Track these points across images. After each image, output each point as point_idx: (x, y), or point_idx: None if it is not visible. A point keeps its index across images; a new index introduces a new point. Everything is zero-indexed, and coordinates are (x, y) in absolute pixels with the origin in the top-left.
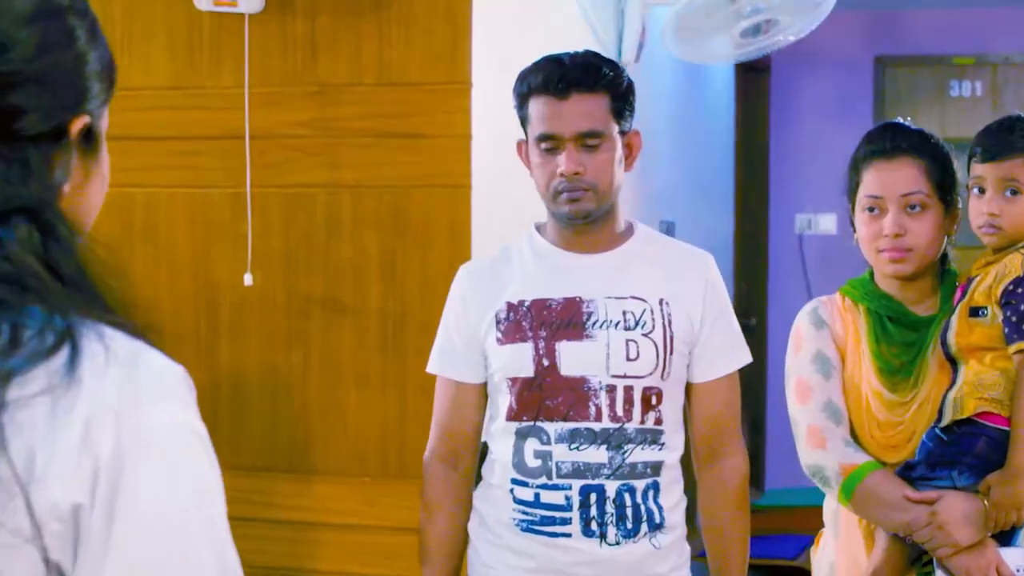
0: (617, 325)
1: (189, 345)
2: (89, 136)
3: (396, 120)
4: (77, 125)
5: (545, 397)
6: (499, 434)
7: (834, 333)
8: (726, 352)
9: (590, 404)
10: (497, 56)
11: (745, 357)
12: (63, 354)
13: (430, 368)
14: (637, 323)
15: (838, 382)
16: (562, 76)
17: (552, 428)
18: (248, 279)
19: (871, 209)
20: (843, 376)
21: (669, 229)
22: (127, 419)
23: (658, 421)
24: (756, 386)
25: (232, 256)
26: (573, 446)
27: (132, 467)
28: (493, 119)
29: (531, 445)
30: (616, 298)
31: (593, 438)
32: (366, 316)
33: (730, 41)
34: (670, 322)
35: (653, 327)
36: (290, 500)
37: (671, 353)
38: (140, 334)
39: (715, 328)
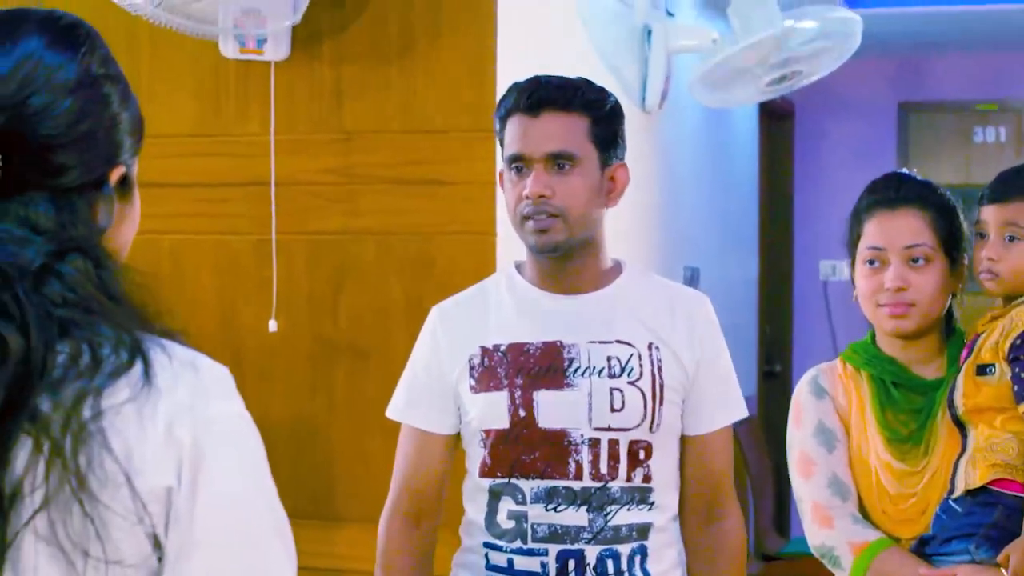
0: (601, 372)
1: None
2: (124, 182)
3: (421, 167)
4: (115, 175)
5: (521, 452)
6: (472, 492)
7: (836, 403)
8: (722, 402)
9: (570, 460)
10: None
11: (740, 411)
12: (138, 367)
13: (391, 413)
14: (623, 370)
15: (843, 455)
16: (534, 93)
17: (528, 486)
18: (273, 325)
19: (871, 262)
20: (849, 448)
21: (694, 275)
22: (199, 415)
23: (647, 478)
24: (781, 431)
25: (257, 302)
26: (550, 507)
27: (208, 453)
28: None
29: (505, 505)
30: (600, 343)
31: (572, 498)
32: (390, 362)
33: (756, 89)
34: (660, 368)
35: (641, 374)
36: (315, 547)
37: (661, 403)
38: (182, 341)
39: (710, 376)
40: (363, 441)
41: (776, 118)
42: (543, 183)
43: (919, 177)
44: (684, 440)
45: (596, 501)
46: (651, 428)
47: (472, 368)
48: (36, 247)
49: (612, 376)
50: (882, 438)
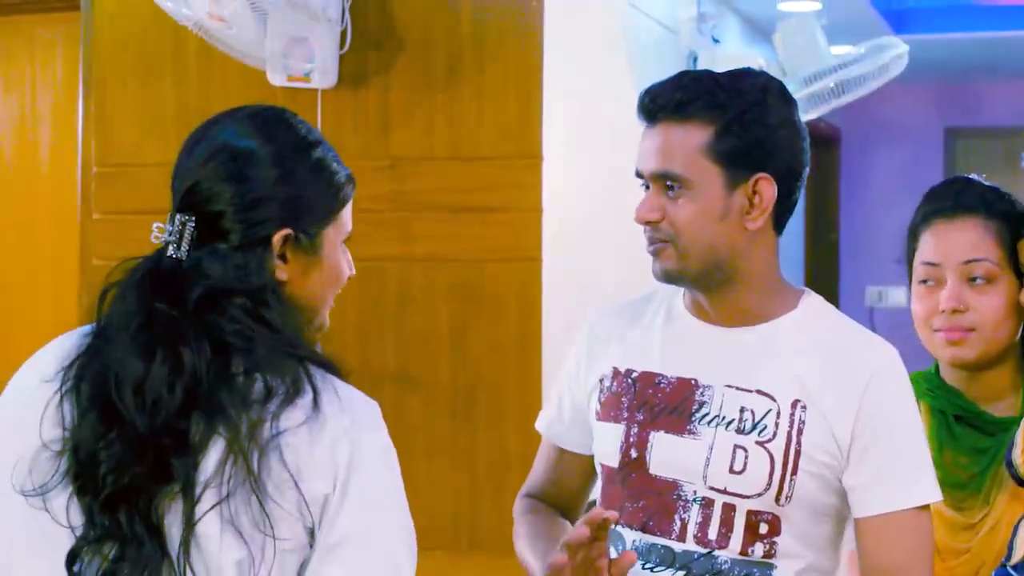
0: (729, 425)
1: None
2: (297, 241)
3: (467, 194)
4: (277, 237)
5: (627, 497)
6: None
7: None
8: (892, 480)
9: (676, 517)
10: (568, 130)
11: (923, 494)
12: (309, 395)
13: (537, 424)
14: (754, 427)
15: None
16: (653, 97)
17: (629, 537)
18: (318, 349)
19: (926, 280)
20: None
21: None
22: (355, 439)
23: (769, 554)
24: None
25: None
26: (647, 566)
27: (358, 468)
28: (564, 193)
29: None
30: (738, 389)
31: (671, 560)
32: (437, 388)
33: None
34: (800, 432)
35: (774, 435)
36: None
37: (794, 472)
38: (335, 370)
39: (876, 448)
40: (409, 467)
41: (822, 143)
42: (649, 204)
43: (986, 182)
44: (855, 524)
45: (697, 569)
46: (778, 500)
47: (601, 391)
48: (201, 286)
49: (740, 432)
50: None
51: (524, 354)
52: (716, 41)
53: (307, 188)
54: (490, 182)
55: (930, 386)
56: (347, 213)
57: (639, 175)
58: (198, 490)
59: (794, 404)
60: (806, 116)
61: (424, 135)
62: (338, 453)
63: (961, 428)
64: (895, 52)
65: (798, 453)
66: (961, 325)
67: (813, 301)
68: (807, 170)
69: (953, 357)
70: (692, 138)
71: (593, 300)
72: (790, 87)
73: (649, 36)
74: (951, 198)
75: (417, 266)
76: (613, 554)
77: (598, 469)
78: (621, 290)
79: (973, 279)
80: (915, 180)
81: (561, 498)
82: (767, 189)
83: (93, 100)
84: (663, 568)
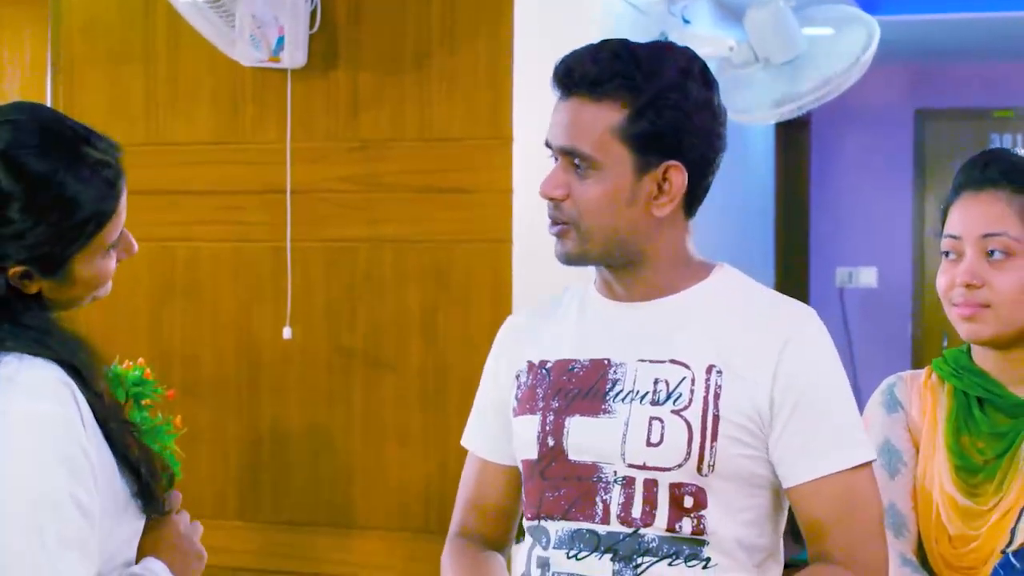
0: (644, 398)
1: (231, 399)
2: (48, 271)
3: (437, 175)
4: (12, 273)
5: (546, 488)
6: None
7: (910, 419)
8: (825, 444)
9: (597, 500)
10: (538, 112)
11: (856, 454)
12: None
13: (463, 440)
14: (669, 396)
15: (906, 481)
16: (568, 69)
17: (552, 528)
18: (287, 332)
19: (947, 253)
20: (914, 474)
21: None
22: None
23: (698, 531)
24: None
25: (273, 310)
26: (572, 553)
27: None
28: (534, 174)
29: (534, 551)
30: (651, 362)
31: (596, 544)
32: (407, 371)
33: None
34: (717, 396)
35: (690, 402)
36: (332, 555)
37: (714, 439)
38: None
39: (798, 416)
40: (379, 449)
41: (792, 126)
42: (555, 180)
43: (1020, 153)
44: (787, 496)
45: (623, 550)
46: (700, 469)
47: (519, 387)
48: None
49: (655, 403)
50: (950, 465)
51: (494, 337)
52: (687, 22)
53: (47, 235)
54: (460, 164)
55: (956, 367)
56: (113, 226)
57: (548, 146)
58: None
59: (709, 369)
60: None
61: (394, 116)
62: None
63: (982, 412)
64: (865, 41)
65: (716, 418)
66: (976, 300)
67: (726, 272)
68: (721, 155)
69: (968, 333)
70: (604, 118)
71: (564, 282)
72: (767, 87)
73: (620, 17)
74: (979, 170)
75: (387, 248)
76: (540, 550)
77: (520, 468)
78: (592, 271)
79: (991, 253)
80: (885, 162)
81: (491, 526)
82: (677, 177)
83: (61, 83)
84: (588, 553)
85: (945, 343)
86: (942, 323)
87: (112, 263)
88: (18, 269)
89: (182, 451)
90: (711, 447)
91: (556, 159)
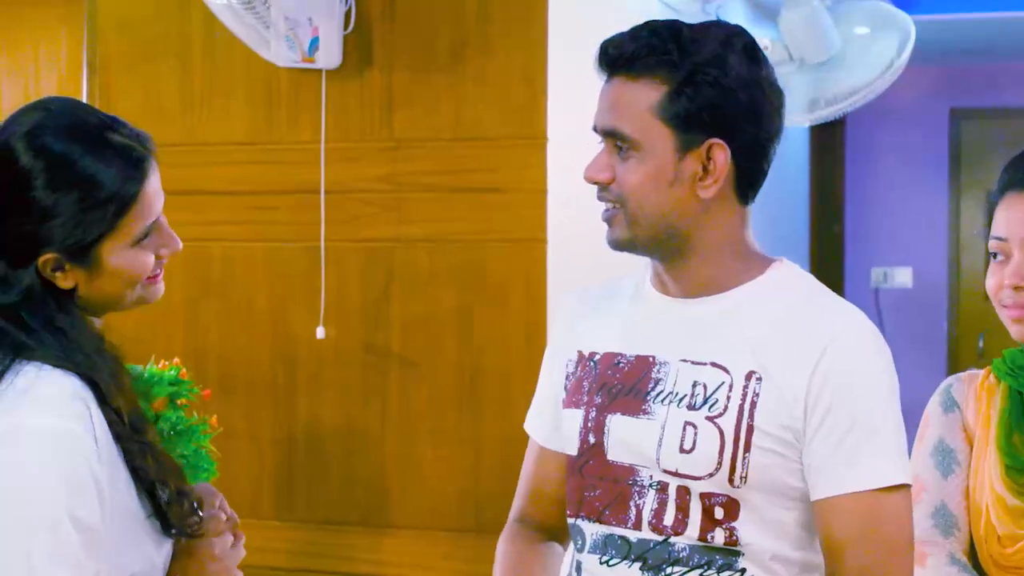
0: (681, 400)
1: (266, 399)
2: (70, 260)
3: (472, 175)
4: (42, 261)
5: (585, 486)
6: None
7: (965, 419)
8: (856, 459)
9: (631, 504)
10: (573, 111)
11: (887, 474)
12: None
13: (525, 424)
14: (705, 401)
15: (959, 482)
16: (606, 49)
17: (588, 531)
18: (320, 332)
19: (995, 255)
20: (967, 473)
21: None
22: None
23: (731, 541)
24: None
25: (307, 310)
26: (604, 559)
27: None
28: (569, 174)
29: (570, 552)
30: (692, 363)
31: (627, 551)
32: (441, 370)
33: (804, 112)
34: (753, 405)
35: (725, 409)
36: (366, 554)
37: (747, 449)
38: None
39: (831, 422)
40: (414, 448)
41: (826, 125)
42: (599, 164)
43: None
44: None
45: (653, 559)
46: (732, 480)
47: (568, 377)
48: None
49: (691, 407)
50: (1000, 465)
51: (529, 336)
52: None
53: (70, 215)
54: (494, 163)
55: (1013, 366)
56: (139, 211)
57: (595, 130)
58: None
59: (749, 375)
60: (816, 121)
61: (428, 116)
62: None
63: None
64: (901, 42)
65: (750, 428)
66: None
67: (783, 269)
68: (777, 138)
69: (1019, 334)
70: (643, 97)
71: (598, 280)
72: (802, 90)
73: (654, 16)
74: (1022, 171)
75: (420, 247)
76: (575, 552)
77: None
78: (627, 270)
79: None
80: (920, 162)
81: (549, 514)
82: (720, 156)
83: (97, 82)
84: (619, 560)
85: (981, 343)
86: (978, 323)
87: (148, 258)
88: (48, 257)
89: (218, 451)
90: (743, 458)
91: (601, 143)
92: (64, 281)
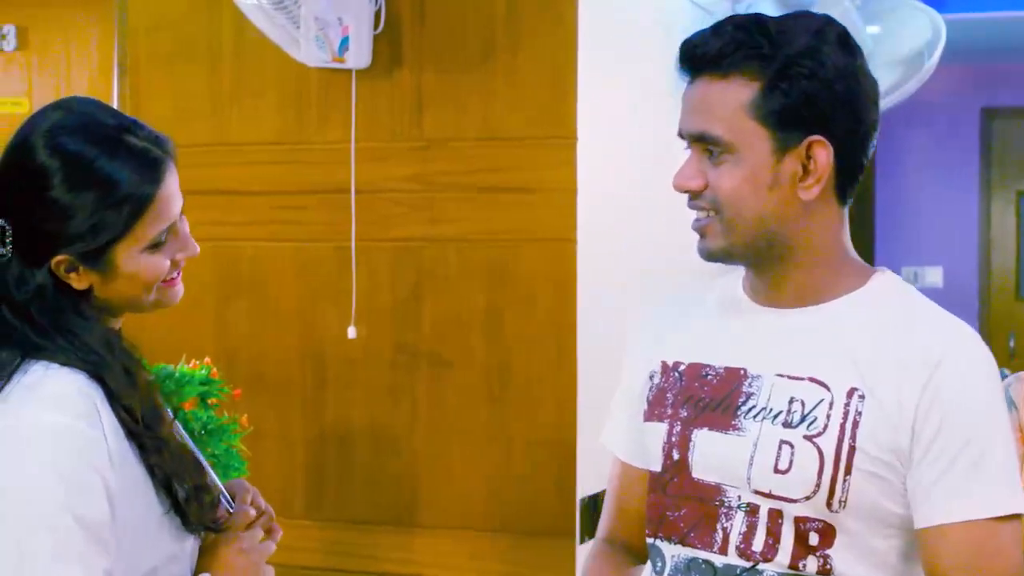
0: (776, 417)
1: (296, 398)
2: (83, 262)
3: (501, 174)
4: (55, 262)
5: (668, 505)
6: None
7: (1021, 420)
8: (959, 487)
9: (717, 527)
10: (602, 110)
11: (998, 503)
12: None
13: (601, 437)
14: (803, 419)
15: None
16: (691, 48)
17: (669, 552)
18: (352, 332)
19: None
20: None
21: None
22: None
23: (824, 570)
24: None
25: (337, 310)
26: None
27: None
28: (598, 173)
29: (647, 574)
30: (789, 377)
31: None
32: (471, 370)
33: None
34: (856, 425)
35: (825, 428)
36: (395, 553)
37: (848, 472)
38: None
39: (939, 446)
40: (442, 448)
41: None
42: (689, 171)
43: None
44: (916, 537)
45: None
46: (830, 504)
47: (650, 389)
48: None
49: (787, 425)
50: None
51: (559, 336)
52: None
53: (85, 216)
54: (524, 163)
55: None
56: (154, 215)
57: (681, 136)
58: None
59: (850, 393)
60: None
61: (458, 116)
62: None
63: None
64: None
65: (852, 449)
66: None
67: (885, 279)
68: (875, 132)
69: None
70: (734, 95)
71: (628, 281)
72: None
73: (684, 16)
74: None
75: (450, 247)
76: (649, 572)
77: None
78: (657, 270)
79: None
80: (951, 161)
81: (636, 533)
82: (822, 154)
83: (128, 82)
84: None
85: (1012, 343)
86: (1009, 322)
87: (163, 262)
88: (62, 259)
89: (248, 450)
90: (843, 481)
91: (689, 149)
92: (78, 282)
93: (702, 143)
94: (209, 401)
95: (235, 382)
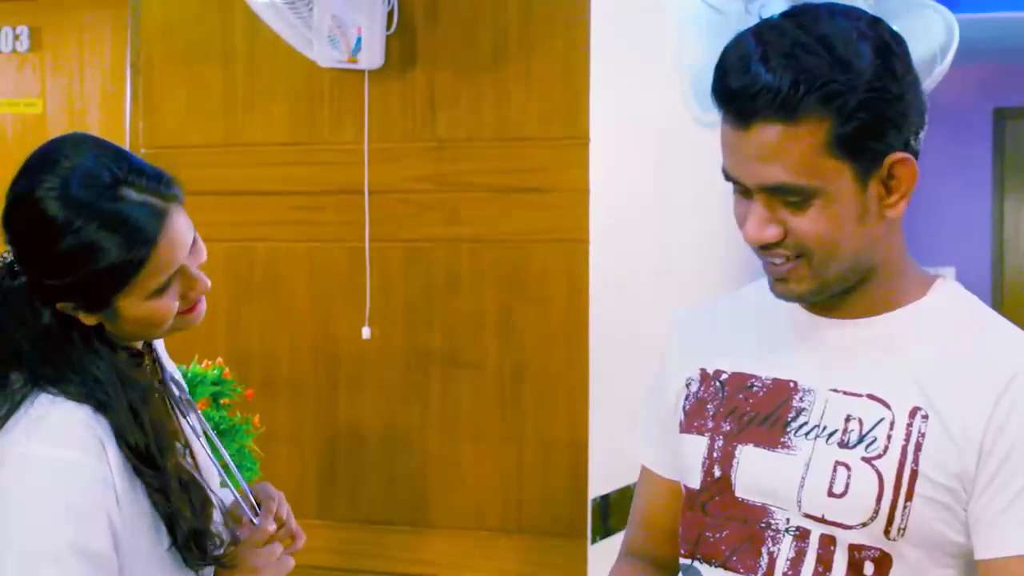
0: (831, 436)
1: (308, 398)
2: (94, 309)
3: (514, 175)
4: (60, 305)
5: (707, 525)
6: None
7: None
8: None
9: (763, 551)
10: (615, 111)
11: None
12: (7, 411)
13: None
14: (861, 439)
15: None
16: (739, 93)
17: (708, 575)
18: (366, 332)
19: None
20: None
21: None
22: (4, 448)
23: None
24: None
25: (351, 310)
26: None
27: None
28: (611, 174)
29: None
30: (844, 393)
31: None
32: (484, 370)
33: None
34: (918, 447)
35: (885, 450)
36: (408, 553)
37: (908, 498)
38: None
39: (1005, 472)
40: (456, 448)
41: None
42: (762, 222)
43: None
44: (977, 568)
45: None
46: (888, 532)
47: (687, 398)
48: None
49: (844, 445)
50: None
51: (571, 336)
52: None
53: (76, 280)
54: (537, 163)
55: None
56: (153, 269)
57: (729, 178)
58: None
59: (913, 412)
60: None
61: (471, 116)
62: None
63: None
64: (945, 42)
65: (914, 474)
66: None
67: (948, 289)
68: (924, 128)
69: None
70: (808, 139)
71: (641, 281)
72: None
73: (697, 16)
74: None
75: (463, 247)
76: None
77: (682, 491)
78: (669, 270)
79: None
80: (963, 161)
81: (662, 547)
82: (904, 170)
83: (140, 83)
84: None
85: None
86: (1021, 323)
87: (170, 304)
88: (66, 304)
89: (261, 450)
90: (904, 508)
91: (745, 192)
92: (87, 319)
93: (779, 195)
94: (222, 401)
95: (248, 382)
